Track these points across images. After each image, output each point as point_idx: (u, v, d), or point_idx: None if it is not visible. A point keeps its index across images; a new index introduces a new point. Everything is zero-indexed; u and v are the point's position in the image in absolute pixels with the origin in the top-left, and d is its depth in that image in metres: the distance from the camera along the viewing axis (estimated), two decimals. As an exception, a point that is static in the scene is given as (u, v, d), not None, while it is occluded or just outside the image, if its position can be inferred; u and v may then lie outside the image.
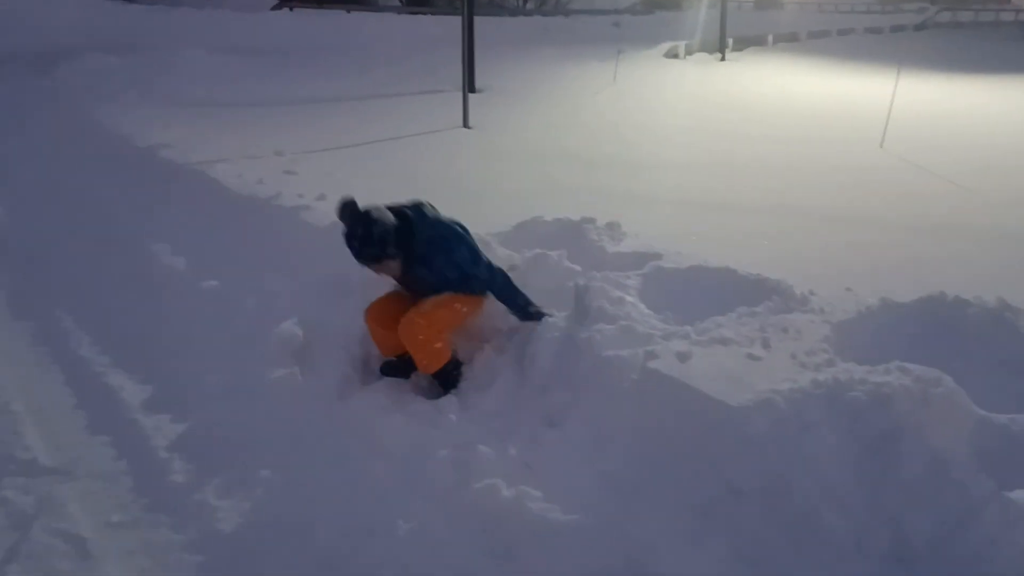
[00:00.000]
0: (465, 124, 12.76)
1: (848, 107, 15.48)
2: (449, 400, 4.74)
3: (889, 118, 11.60)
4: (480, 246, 5.85)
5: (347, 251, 4.53)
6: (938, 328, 4.78)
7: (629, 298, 5.30)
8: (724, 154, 10.98)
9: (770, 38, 31.90)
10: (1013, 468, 3.68)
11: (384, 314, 4.79)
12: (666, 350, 4.26)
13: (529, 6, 45.27)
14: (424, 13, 34.33)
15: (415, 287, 4.78)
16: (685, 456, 3.84)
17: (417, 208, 4.78)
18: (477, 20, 16.65)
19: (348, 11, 31.36)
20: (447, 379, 4.86)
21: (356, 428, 4.53)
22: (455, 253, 4.70)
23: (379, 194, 5.09)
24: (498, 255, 5.79)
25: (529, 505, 3.59)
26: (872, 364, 4.12)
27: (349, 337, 5.15)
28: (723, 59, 25.76)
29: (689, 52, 26.38)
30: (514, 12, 40.34)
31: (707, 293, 5.41)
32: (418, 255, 4.59)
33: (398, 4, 38.49)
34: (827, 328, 4.72)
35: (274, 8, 30.37)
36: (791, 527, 3.55)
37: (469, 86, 14.02)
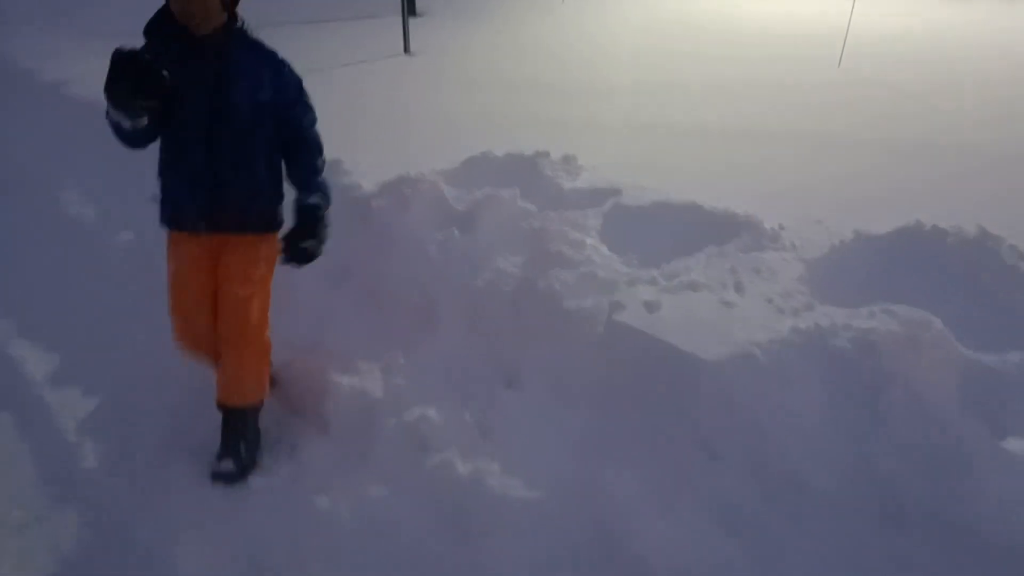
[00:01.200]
0: (406, 50, 11.94)
1: (803, 26, 14.99)
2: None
3: (847, 36, 11.17)
4: (426, 185, 5.32)
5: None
6: (916, 261, 4.47)
7: (590, 240, 4.87)
8: (680, 75, 10.47)
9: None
10: (1005, 413, 3.41)
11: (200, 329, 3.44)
12: (632, 299, 3.86)
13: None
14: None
15: (220, 118, 3.17)
16: (657, 416, 3.48)
17: None
18: (414, -65, 15.53)
19: (276, -70, 29.23)
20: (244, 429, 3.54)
21: (289, 397, 4.06)
22: (287, 67, 3.37)
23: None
24: (446, 196, 5.27)
25: (489, 482, 3.20)
26: (853, 306, 3.80)
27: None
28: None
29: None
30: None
31: (672, 231, 5.01)
32: (238, 58, 3.19)
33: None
34: (801, 267, 4.38)
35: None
36: (774, 489, 3.24)
37: (409, 9, 13.10)
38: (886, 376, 3.27)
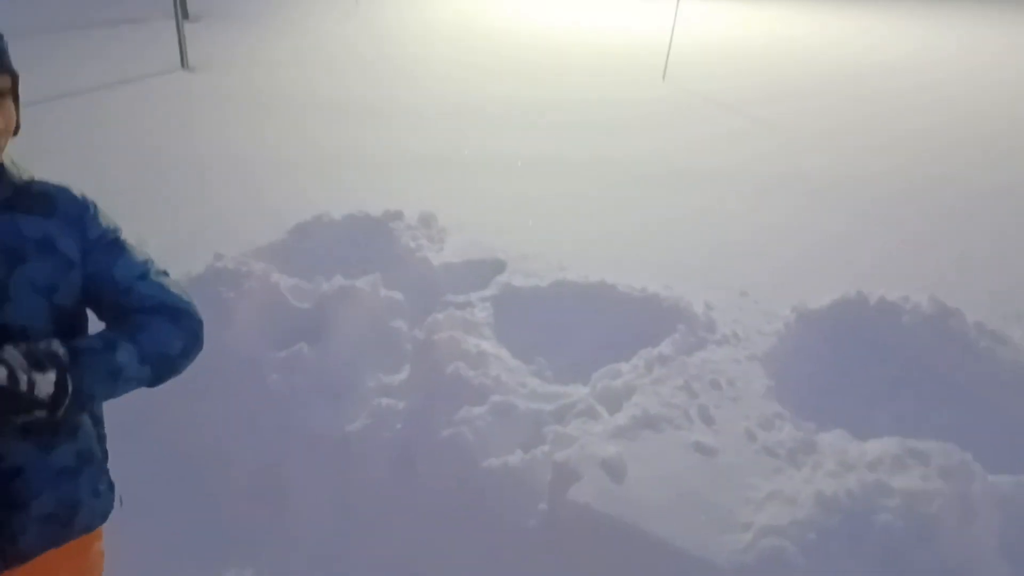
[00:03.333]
0: (184, 64, 9.93)
1: (626, 38, 14.63)
2: None
3: (670, 47, 10.82)
4: (253, 278, 3.85)
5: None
6: (872, 345, 3.78)
7: (487, 345, 3.69)
8: (501, 94, 9.45)
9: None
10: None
11: None
12: (580, 452, 2.77)
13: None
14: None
15: None
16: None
17: None
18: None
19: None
20: None
21: None
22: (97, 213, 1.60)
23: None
24: (282, 290, 3.84)
25: None
26: (856, 434, 2.98)
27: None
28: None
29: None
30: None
31: (585, 322, 3.96)
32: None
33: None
34: (758, 369, 3.52)
35: None
36: None
37: (183, 11, 11.01)
38: (943, 559, 2.43)
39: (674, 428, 3.02)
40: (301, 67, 9.52)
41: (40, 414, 1.35)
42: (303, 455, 3.23)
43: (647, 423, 3.04)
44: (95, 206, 1.61)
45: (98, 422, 1.68)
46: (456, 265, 4.49)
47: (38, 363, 1.33)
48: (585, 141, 6.86)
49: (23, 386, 1.30)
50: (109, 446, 1.69)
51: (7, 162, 1.51)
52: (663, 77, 10.44)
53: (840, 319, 3.99)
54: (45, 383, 1.33)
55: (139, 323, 1.54)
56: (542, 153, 6.48)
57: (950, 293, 3.81)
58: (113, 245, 1.60)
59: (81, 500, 1.59)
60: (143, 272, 1.61)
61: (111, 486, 1.70)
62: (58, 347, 1.39)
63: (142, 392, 1.57)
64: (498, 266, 4.49)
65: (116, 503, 1.73)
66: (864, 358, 3.77)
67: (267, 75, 9.23)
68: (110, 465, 1.69)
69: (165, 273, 1.64)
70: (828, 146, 7.51)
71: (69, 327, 1.54)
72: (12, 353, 1.32)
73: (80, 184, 1.55)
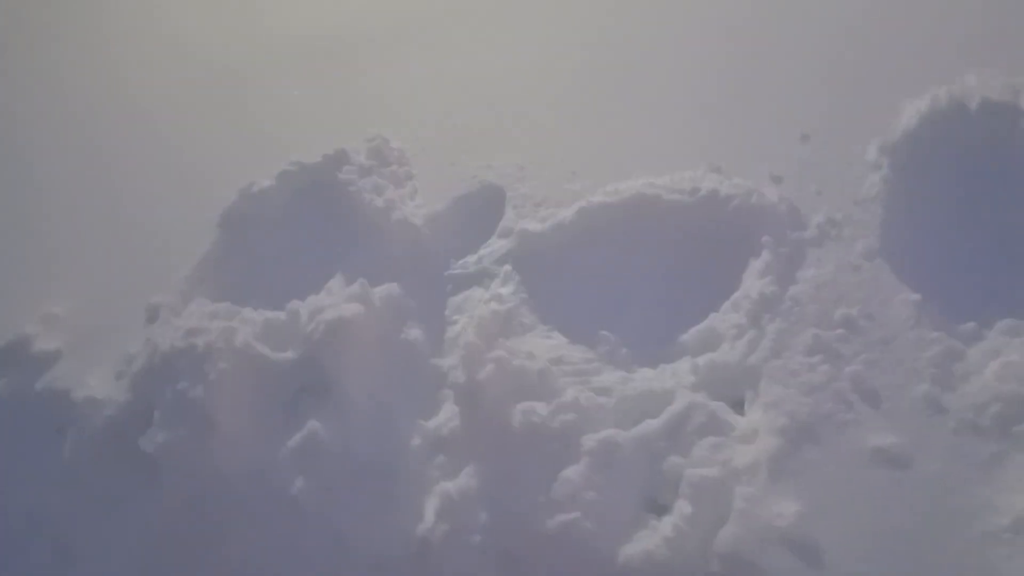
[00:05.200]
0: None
1: None
2: None
3: None
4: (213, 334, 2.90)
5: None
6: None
7: (537, 341, 2.87)
8: None
9: None
10: None
11: None
12: (746, 529, 2.08)
13: None
14: None
15: None
16: None
17: None
18: None
19: None
20: None
21: None
22: None
23: None
24: (251, 342, 2.93)
25: None
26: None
27: None
28: None
29: None
30: None
31: (636, 258, 3.09)
32: None
33: None
34: (888, 272, 2.74)
35: None
36: None
37: None
38: None
39: (837, 430, 2.28)
40: None
41: None
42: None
43: (801, 429, 2.30)
44: None
45: None
46: (443, 214, 3.47)
47: None
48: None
49: None
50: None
51: None
52: None
53: (937, 139, 3.11)
54: None
55: None
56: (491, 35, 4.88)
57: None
58: None
59: None
60: None
61: None
62: None
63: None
64: (495, 197, 3.46)
65: None
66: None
67: None
68: None
69: None
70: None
71: None
72: None
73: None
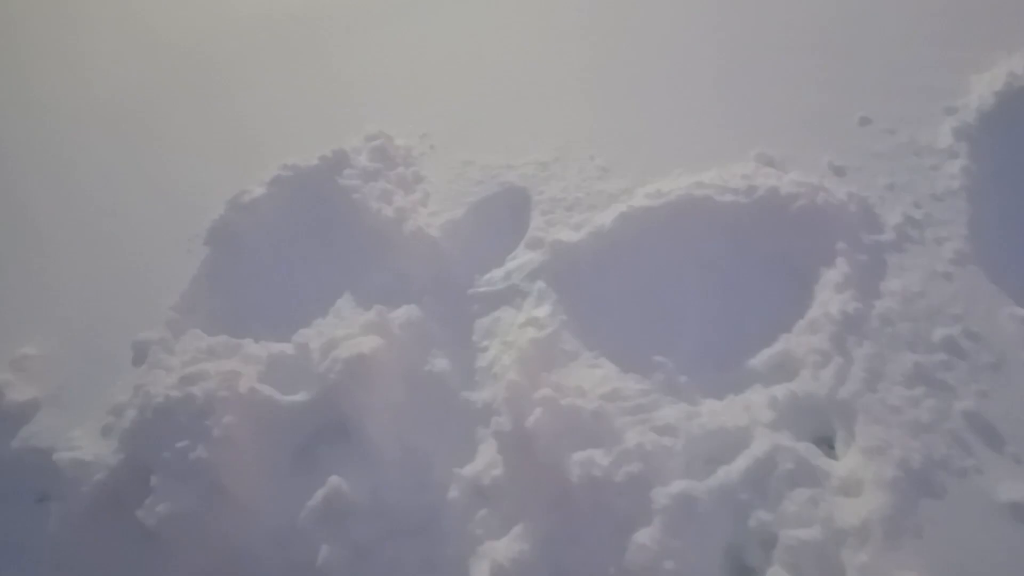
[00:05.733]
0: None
1: None
2: None
3: None
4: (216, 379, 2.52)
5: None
6: None
7: (583, 373, 2.53)
8: None
9: None
10: None
11: None
12: None
13: None
14: None
15: None
16: None
17: None
18: None
19: None
20: None
21: None
22: None
23: None
24: (257, 387, 2.58)
25: None
26: None
27: None
28: None
29: None
30: None
31: (690, 267, 2.74)
32: None
33: None
34: (980, 275, 2.42)
35: None
36: None
37: None
38: None
39: (958, 479, 1.96)
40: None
41: None
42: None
43: (915, 480, 1.97)
44: None
45: None
46: (462, 222, 3.08)
47: None
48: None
49: None
50: None
51: None
52: None
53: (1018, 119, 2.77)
54: None
55: None
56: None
57: None
58: None
59: None
60: None
61: None
62: None
63: None
64: (519, 201, 3.08)
65: None
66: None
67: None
68: None
69: None
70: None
71: None
72: None
73: None
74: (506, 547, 2.22)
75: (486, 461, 2.49)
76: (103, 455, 2.55)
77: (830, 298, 2.44)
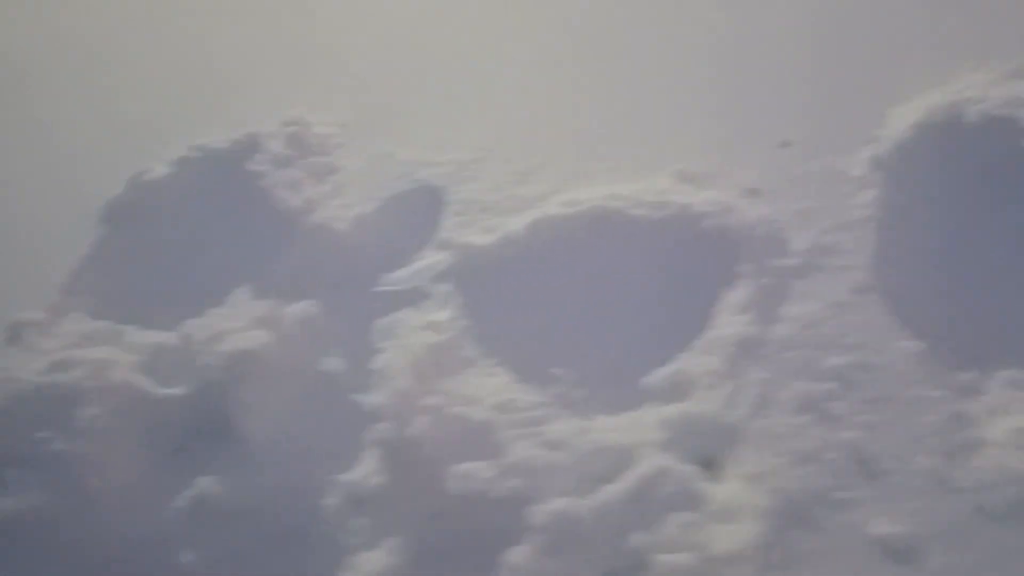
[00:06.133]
0: None
1: None
2: None
3: None
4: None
5: None
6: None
7: (475, 383, 2.46)
8: None
9: None
10: None
11: None
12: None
13: None
14: None
15: None
16: None
17: None
18: None
19: None
20: None
21: None
22: None
23: None
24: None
25: None
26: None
27: None
28: None
29: None
30: None
31: (598, 281, 2.70)
32: None
33: None
34: (880, 307, 2.44)
35: None
36: None
37: None
38: None
39: (834, 511, 1.94)
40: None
41: None
42: None
43: (791, 511, 1.94)
44: None
45: None
46: (372, 217, 2.98)
47: None
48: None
49: None
50: None
51: None
52: None
53: (933, 152, 2.78)
54: None
55: None
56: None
57: None
58: None
59: None
60: None
61: None
62: None
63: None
64: (434, 200, 2.99)
65: None
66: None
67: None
68: None
69: None
70: None
71: None
72: None
73: None
74: (375, 560, 2.13)
75: (368, 468, 2.40)
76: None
77: (729, 320, 2.41)
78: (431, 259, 2.82)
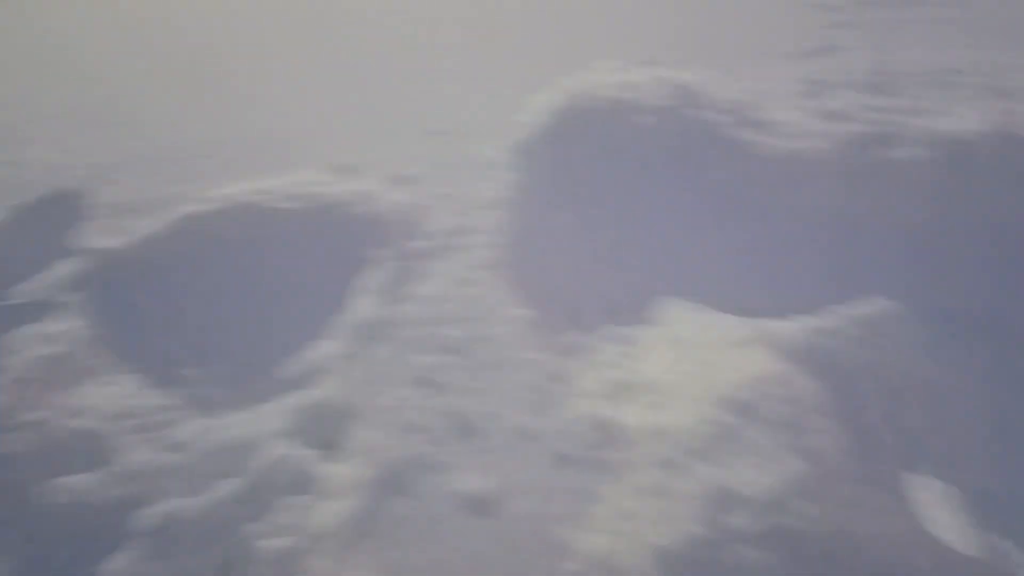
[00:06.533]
0: None
1: None
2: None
3: None
4: None
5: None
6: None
7: (96, 394, 2.35)
8: None
9: None
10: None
11: None
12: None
13: None
14: None
15: None
16: None
17: None
18: None
19: None
20: None
21: None
22: None
23: None
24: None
25: None
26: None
27: None
28: None
29: None
30: None
31: (236, 275, 2.68)
32: None
33: None
34: (500, 286, 2.57)
35: None
36: None
37: None
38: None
39: (427, 475, 2.03)
40: None
41: None
42: None
43: (388, 480, 2.02)
44: None
45: None
46: (1, 229, 2.73)
47: None
48: None
49: None
50: None
51: None
52: None
53: (570, 139, 3.03)
54: None
55: None
56: None
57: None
58: None
59: None
60: None
61: None
62: None
63: None
64: (72, 205, 2.80)
65: None
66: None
67: None
68: None
69: None
70: None
71: None
72: None
73: None
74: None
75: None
76: None
77: (360, 304, 2.46)
78: (64, 268, 2.63)
